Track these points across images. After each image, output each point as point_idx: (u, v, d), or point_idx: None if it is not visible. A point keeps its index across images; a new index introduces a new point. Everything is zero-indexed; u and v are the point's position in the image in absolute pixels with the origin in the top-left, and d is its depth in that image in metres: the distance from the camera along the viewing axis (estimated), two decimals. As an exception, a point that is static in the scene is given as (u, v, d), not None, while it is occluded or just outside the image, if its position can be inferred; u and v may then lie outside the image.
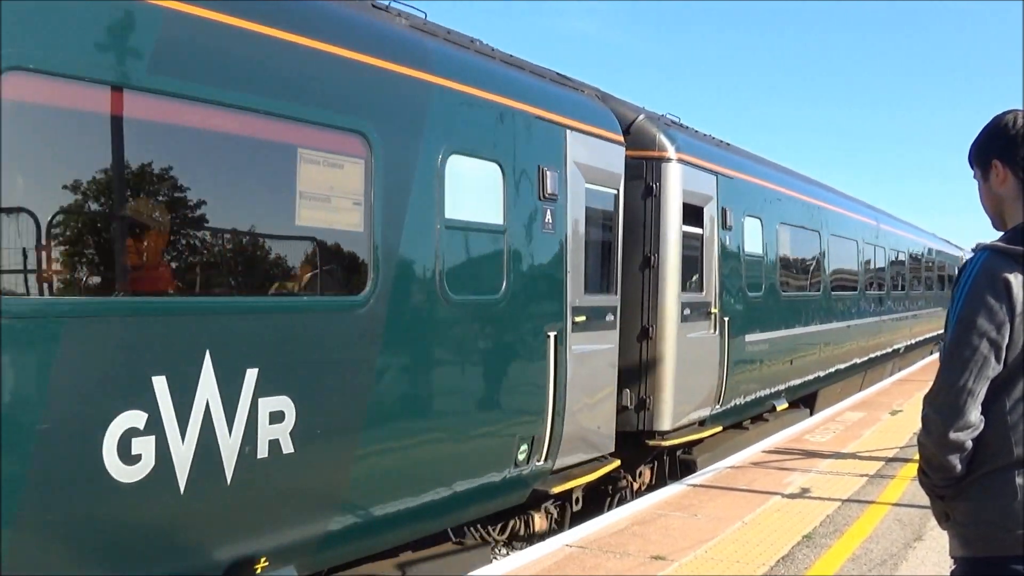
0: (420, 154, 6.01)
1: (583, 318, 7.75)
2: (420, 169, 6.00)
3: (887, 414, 13.68)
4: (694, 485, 8.83)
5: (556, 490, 7.60)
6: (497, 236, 6.79)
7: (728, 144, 12.17)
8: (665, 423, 9.40)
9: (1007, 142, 2.62)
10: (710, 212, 10.42)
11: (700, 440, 10.52)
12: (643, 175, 9.34)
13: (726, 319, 10.69)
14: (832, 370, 15.96)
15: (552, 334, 7.29)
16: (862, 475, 9.18)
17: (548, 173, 7.34)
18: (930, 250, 27.72)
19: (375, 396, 5.66)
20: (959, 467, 2.50)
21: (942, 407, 2.48)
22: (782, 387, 13.17)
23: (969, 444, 2.47)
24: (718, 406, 10.76)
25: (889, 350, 21.07)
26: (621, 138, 8.72)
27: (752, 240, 11.91)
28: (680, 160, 9.57)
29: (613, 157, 8.53)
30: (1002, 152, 2.63)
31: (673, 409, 9.45)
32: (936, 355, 15.08)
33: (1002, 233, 2.60)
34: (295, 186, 5.20)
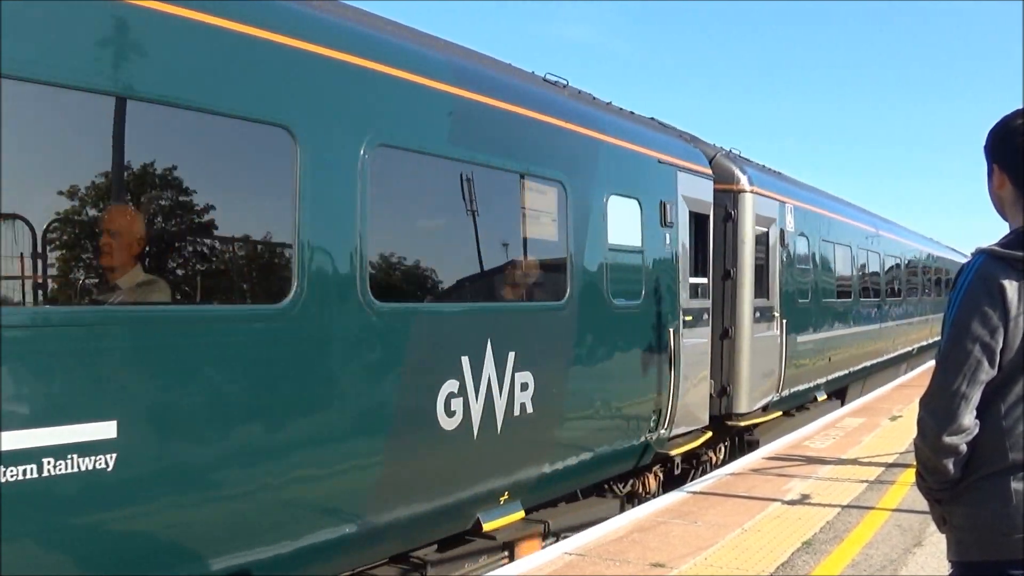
0: (594, 196, 7.91)
1: (689, 318, 9.83)
2: (594, 208, 7.88)
3: (887, 420, 13.66)
4: (694, 492, 8.82)
5: (673, 452, 9.71)
6: (637, 255, 8.71)
7: (783, 174, 14.45)
8: (743, 407, 11.45)
9: (1005, 149, 2.59)
10: (773, 233, 12.39)
11: (762, 423, 12.50)
12: (723, 203, 11.27)
13: (784, 321, 12.63)
14: (861, 367, 18.11)
15: (671, 329, 9.25)
16: (862, 481, 9.16)
17: (667, 206, 9.26)
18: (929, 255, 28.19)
19: (574, 376, 7.62)
20: (954, 471, 2.50)
21: (936, 411, 2.48)
22: (822, 381, 15.24)
23: (963, 448, 2.47)
24: (776, 395, 12.65)
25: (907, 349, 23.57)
26: (711, 173, 10.79)
27: (802, 253, 13.92)
28: (753, 192, 11.54)
29: (705, 190, 10.55)
30: (1000, 158, 2.61)
31: (748, 395, 11.49)
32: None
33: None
34: None
